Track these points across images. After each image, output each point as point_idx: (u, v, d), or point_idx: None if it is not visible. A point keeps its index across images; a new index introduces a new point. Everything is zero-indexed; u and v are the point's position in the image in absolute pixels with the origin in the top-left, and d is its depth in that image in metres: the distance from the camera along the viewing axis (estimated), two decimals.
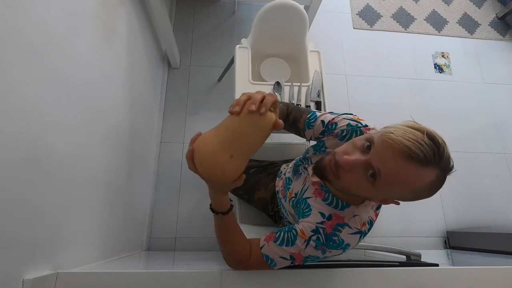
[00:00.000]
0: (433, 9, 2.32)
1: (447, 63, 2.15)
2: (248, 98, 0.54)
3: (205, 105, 1.78)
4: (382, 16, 2.24)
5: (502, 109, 2.06)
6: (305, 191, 0.75)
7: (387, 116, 1.87)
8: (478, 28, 2.30)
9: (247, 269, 0.70)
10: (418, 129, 0.51)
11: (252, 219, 1.11)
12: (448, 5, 2.36)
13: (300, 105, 1.20)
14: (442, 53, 2.18)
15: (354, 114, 0.73)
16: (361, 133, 0.68)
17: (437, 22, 2.28)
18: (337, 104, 1.91)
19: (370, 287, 0.74)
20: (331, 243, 0.63)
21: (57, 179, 0.68)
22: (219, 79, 1.82)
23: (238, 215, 1.11)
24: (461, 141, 1.93)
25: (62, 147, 0.70)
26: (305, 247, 0.64)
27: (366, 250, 1.21)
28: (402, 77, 2.06)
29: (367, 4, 2.27)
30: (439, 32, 2.25)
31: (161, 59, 1.74)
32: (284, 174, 0.95)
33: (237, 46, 1.29)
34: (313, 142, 0.82)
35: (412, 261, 0.99)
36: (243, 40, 1.31)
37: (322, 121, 0.74)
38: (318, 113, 0.76)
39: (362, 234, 0.65)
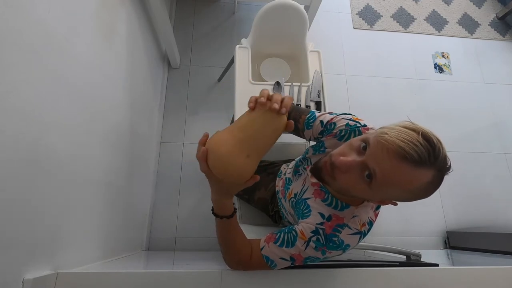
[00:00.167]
0: (433, 9, 2.32)
1: (447, 63, 2.15)
2: (269, 97, 0.55)
3: (205, 105, 1.78)
4: (382, 16, 2.24)
5: (502, 109, 2.06)
6: (304, 191, 0.75)
7: (387, 116, 1.87)
8: (478, 28, 2.30)
9: (247, 270, 0.70)
10: (413, 130, 0.51)
11: (252, 219, 1.11)
12: (448, 5, 2.36)
13: (300, 105, 1.20)
14: (442, 53, 2.18)
15: (353, 114, 0.73)
16: (360, 133, 0.68)
17: (437, 22, 2.28)
18: (337, 104, 1.91)
19: (370, 287, 0.74)
20: (331, 244, 0.63)
21: (57, 179, 0.68)
22: (219, 79, 1.82)
23: (238, 215, 1.11)
24: (461, 141, 1.93)
25: (62, 147, 0.70)
26: (305, 248, 0.64)
27: (366, 250, 1.21)
28: (402, 77, 2.06)
29: (367, 4, 2.27)
30: (439, 32, 2.25)
31: (161, 59, 1.74)
32: (284, 174, 0.95)
33: (237, 46, 1.29)
34: (313, 143, 0.82)
35: (412, 261, 0.99)
36: (243, 40, 1.31)
37: (321, 121, 0.73)
38: (317, 114, 0.76)
39: (361, 234, 0.65)
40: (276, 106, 0.54)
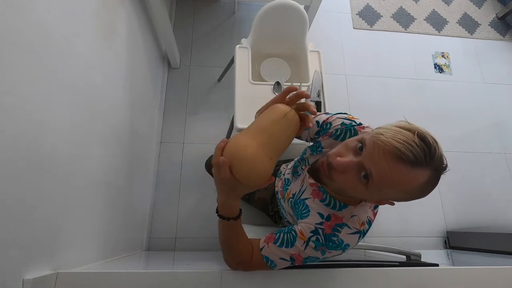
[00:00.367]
0: (433, 9, 2.32)
1: (447, 63, 2.15)
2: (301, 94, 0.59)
3: (205, 105, 1.78)
4: (382, 16, 2.24)
5: (502, 109, 2.06)
6: (303, 192, 0.75)
7: (387, 116, 1.86)
8: (478, 28, 2.30)
9: (247, 270, 0.70)
10: (409, 130, 0.51)
11: (252, 219, 1.11)
12: (448, 5, 2.36)
13: None
14: (442, 53, 2.18)
15: (349, 113, 0.73)
16: (355, 131, 0.68)
17: (437, 22, 2.28)
18: (337, 104, 1.91)
19: (370, 287, 0.74)
20: (330, 243, 0.63)
21: (57, 179, 0.68)
22: (219, 79, 1.82)
23: None
24: (461, 141, 1.93)
25: (62, 147, 0.70)
26: (305, 248, 0.64)
27: (366, 250, 1.21)
28: (402, 77, 2.06)
29: (367, 4, 2.27)
30: (439, 32, 2.25)
31: (161, 59, 1.74)
32: (283, 174, 0.95)
33: (237, 46, 1.29)
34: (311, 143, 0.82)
35: (412, 261, 0.99)
36: (243, 40, 1.31)
37: (317, 122, 0.74)
38: None
39: (361, 234, 0.65)
40: (314, 110, 0.57)
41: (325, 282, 0.73)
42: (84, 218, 0.83)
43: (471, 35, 2.27)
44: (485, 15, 2.36)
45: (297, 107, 0.60)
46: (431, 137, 0.51)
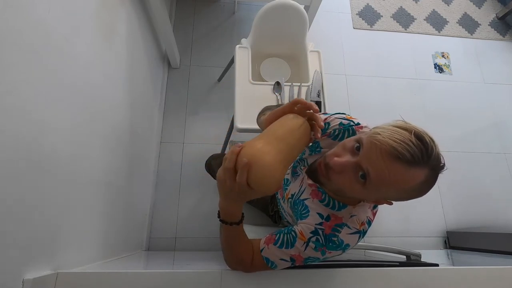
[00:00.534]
0: (433, 9, 2.32)
1: (447, 63, 2.15)
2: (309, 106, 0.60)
3: (205, 105, 1.78)
4: (382, 16, 2.24)
5: (502, 109, 2.06)
6: (302, 192, 0.75)
7: (387, 116, 1.85)
8: (478, 28, 2.30)
9: (248, 271, 0.70)
10: (405, 129, 0.51)
11: (252, 219, 1.11)
12: (448, 5, 2.36)
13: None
14: (442, 53, 2.18)
15: (348, 113, 0.73)
16: (354, 131, 0.68)
17: (437, 22, 2.28)
18: (337, 104, 1.91)
19: (370, 287, 0.74)
20: (330, 244, 0.63)
21: (57, 179, 0.68)
22: (219, 79, 1.82)
23: None
24: (461, 141, 1.93)
25: (62, 147, 0.70)
26: (305, 249, 0.64)
27: (366, 250, 1.21)
28: (402, 77, 2.06)
29: (367, 4, 2.27)
30: (439, 32, 2.25)
31: (161, 59, 1.74)
32: None
33: (237, 46, 1.29)
34: None
35: (412, 261, 0.99)
36: (243, 40, 1.31)
37: None
38: None
39: (361, 233, 0.65)
40: (322, 124, 0.58)
41: (325, 282, 0.73)
42: (84, 218, 0.83)
43: (471, 35, 2.27)
44: (485, 15, 2.36)
45: (308, 118, 0.61)
46: (428, 136, 0.50)
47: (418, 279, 0.75)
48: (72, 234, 0.76)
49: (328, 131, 0.71)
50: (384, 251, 1.11)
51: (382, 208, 0.71)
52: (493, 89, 2.12)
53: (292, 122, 0.58)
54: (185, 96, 1.79)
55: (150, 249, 1.48)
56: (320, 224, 0.65)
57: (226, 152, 1.52)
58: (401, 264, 0.89)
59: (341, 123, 0.69)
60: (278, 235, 0.68)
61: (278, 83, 1.22)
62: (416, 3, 2.33)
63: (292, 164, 0.90)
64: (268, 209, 1.04)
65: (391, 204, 0.59)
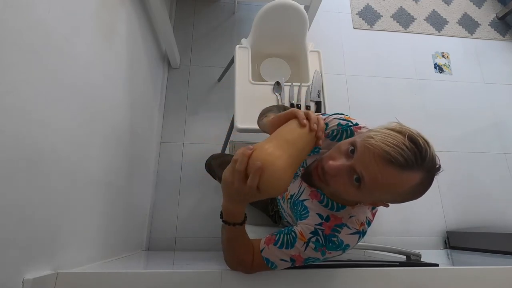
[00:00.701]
0: (433, 9, 2.32)
1: (447, 63, 2.15)
2: (308, 115, 0.59)
3: (205, 105, 1.78)
4: (382, 16, 2.24)
5: (502, 109, 2.06)
6: (301, 193, 0.75)
7: (387, 116, 1.86)
8: (478, 28, 2.30)
9: (248, 272, 0.70)
10: (399, 132, 0.50)
11: (252, 219, 1.11)
12: (448, 5, 2.36)
13: (300, 105, 1.20)
14: (442, 53, 2.18)
15: (347, 114, 0.73)
16: (352, 132, 0.68)
17: (437, 22, 2.28)
18: (337, 104, 1.91)
19: (370, 287, 0.74)
20: (330, 244, 0.63)
21: (57, 179, 0.68)
22: (219, 79, 1.82)
23: None
24: (461, 141, 1.93)
25: (62, 147, 0.70)
26: (305, 249, 0.64)
27: (366, 250, 1.21)
28: (402, 77, 2.06)
29: (367, 4, 2.27)
30: (439, 32, 2.25)
31: (161, 59, 1.74)
32: None
33: (237, 46, 1.29)
34: None
35: (412, 261, 0.99)
36: (243, 40, 1.31)
37: None
38: None
39: (360, 234, 0.65)
40: (321, 134, 0.58)
41: (325, 282, 0.73)
42: (84, 218, 0.83)
43: (471, 35, 2.27)
44: (485, 15, 2.36)
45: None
46: (422, 138, 0.50)
47: (418, 279, 0.75)
48: (72, 234, 0.76)
49: (327, 131, 0.71)
50: (384, 251, 1.11)
51: (382, 208, 0.70)
52: (493, 89, 2.12)
53: (301, 127, 0.58)
54: (185, 96, 1.79)
55: (150, 249, 1.48)
56: (320, 224, 0.65)
57: (226, 152, 1.52)
58: (401, 264, 0.89)
59: (339, 124, 0.69)
60: (278, 235, 0.68)
61: (278, 83, 1.22)
62: (416, 3, 2.33)
63: None
64: (268, 209, 1.04)
65: (388, 206, 0.59)
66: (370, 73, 2.04)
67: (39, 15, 0.60)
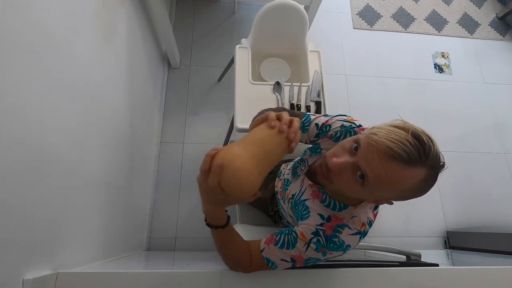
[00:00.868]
0: (433, 9, 2.32)
1: (447, 63, 2.15)
2: (279, 116, 0.57)
3: (205, 105, 1.78)
4: (382, 16, 2.24)
5: (502, 109, 2.06)
6: (303, 193, 0.75)
7: (387, 116, 1.85)
8: (478, 28, 2.30)
9: (248, 272, 0.70)
10: (403, 128, 0.50)
11: (252, 219, 1.11)
12: (448, 5, 2.36)
13: (300, 105, 1.20)
14: (442, 53, 2.18)
15: (349, 114, 0.73)
16: (355, 133, 0.67)
17: (437, 22, 2.28)
18: (337, 104, 1.91)
19: (370, 287, 0.74)
20: (331, 244, 0.63)
21: (57, 179, 0.68)
22: (219, 79, 1.82)
23: (238, 215, 1.11)
24: (461, 141, 1.93)
25: (62, 147, 0.70)
26: (306, 250, 0.64)
27: (366, 250, 1.21)
28: (402, 77, 2.06)
29: (367, 4, 2.27)
30: (439, 32, 2.25)
31: (161, 59, 1.74)
32: (283, 174, 0.95)
33: (237, 46, 1.29)
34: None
35: (412, 261, 0.99)
36: (243, 40, 1.31)
37: (316, 124, 0.73)
38: (312, 116, 0.76)
39: (361, 234, 0.65)
40: (293, 136, 0.55)
41: (325, 282, 0.73)
42: (84, 218, 0.83)
43: (471, 35, 2.27)
44: (485, 15, 2.36)
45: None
46: (426, 135, 0.50)
47: (418, 279, 0.75)
48: (72, 234, 0.76)
49: (330, 133, 0.71)
50: (384, 251, 1.11)
51: (382, 208, 0.71)
52: (493, 89, 2.12)
53: (270, 129, 0.57)
54: (185, 96, 1.79)
55: (150, 249, 1.48)
56: (321, 225, 0.65)
57: None
58: (401, 264, 0.89)
59: (342, 125, 0.69)
60: (279, 235, 0.67)
61: (278, 83, 1.22)
62: (416, 3, 2.33)
63: (292, 164, 0.90)
64: (268, 209, 1.04)
65: (392, 203, 0.59)
66: (370, 73, 2.04)
67: (39, 15, 0.60)
